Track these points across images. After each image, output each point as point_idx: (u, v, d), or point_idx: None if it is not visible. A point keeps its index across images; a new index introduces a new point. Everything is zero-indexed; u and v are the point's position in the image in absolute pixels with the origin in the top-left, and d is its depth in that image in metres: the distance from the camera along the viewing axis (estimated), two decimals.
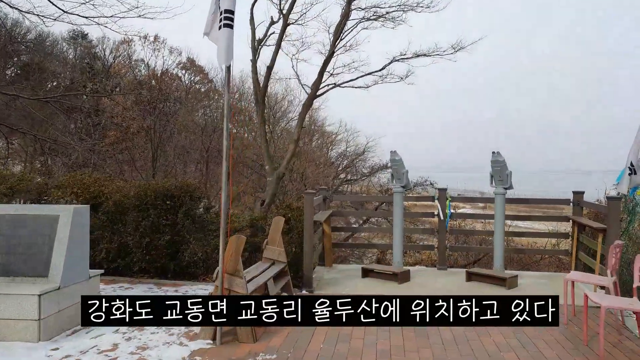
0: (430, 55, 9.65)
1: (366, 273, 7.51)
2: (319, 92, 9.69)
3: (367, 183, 21.08)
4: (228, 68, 4.74)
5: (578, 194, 7.86)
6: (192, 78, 26.16)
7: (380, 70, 9.87)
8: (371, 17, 9.29)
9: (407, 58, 9.71)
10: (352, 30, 9.46)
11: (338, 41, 9.32)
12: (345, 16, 9.30)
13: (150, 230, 7.24)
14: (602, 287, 5.77)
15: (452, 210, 8.32)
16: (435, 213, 8.27)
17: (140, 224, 7.24)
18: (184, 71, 25.56)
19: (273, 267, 6.37)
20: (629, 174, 6.47)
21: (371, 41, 10.83)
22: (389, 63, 9.82)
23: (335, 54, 10.02)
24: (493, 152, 7.12)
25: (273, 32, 9.44)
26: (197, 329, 5.12)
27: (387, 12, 9.24)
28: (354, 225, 16.88)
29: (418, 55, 9.66)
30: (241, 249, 5.02)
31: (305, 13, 9.55)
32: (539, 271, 9.14)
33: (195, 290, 6.83)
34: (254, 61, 9.25)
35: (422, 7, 9.16)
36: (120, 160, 17.67)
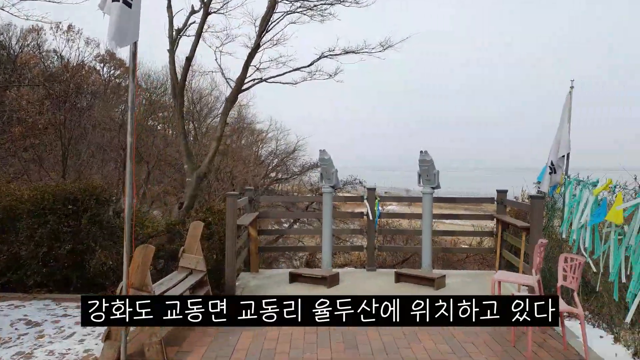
0: (358, 53, 9.47)
1: (294, 278, 7.14)
2: (244, 87, 9.17)
3: (298, 182, 20.76)
4: (134, 55, 4.16)
5: (501, 193, 7.98)
6: (111, 72, 24.43)
7: (308, 66, 9.53)
8: (298, 10, 8.92)
9: (335, 54, 9.46)
10: (278, 22, 9.06)
11: (264, 33, 8.85)
12: (272, 7, 8.85)
13: (48, 239, 6.37)
14: (526, 286, 5.79)
15: (380, 210, 8.15)
16: (365, 213, 8.07)
17: (35, 231, 6.35)
18: (102, 64, 23.82)
19: (190, 276, 5.82)
20: (550, 173, 6.60)
21: (300, 37, 10.48)
22: (318, 59, 9.51)
23: (261, 48, 9.55)
24: (421, 152, 7.01)
25: (194, 22, 8.80)
26: (97, 353, 4.49)
27: (315, 5, 8.93)
28: (285, 225, 16.49)
29: (347, 52, 9.43)
30: (149, 259, 4.45)
31: (228, 2, 8.97)
32: (465, 269, 9.25)
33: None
34: (172, 51, 8.53)
35: (349, 1, 8.93)
36: (25, 160, 15.97)
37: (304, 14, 9.51)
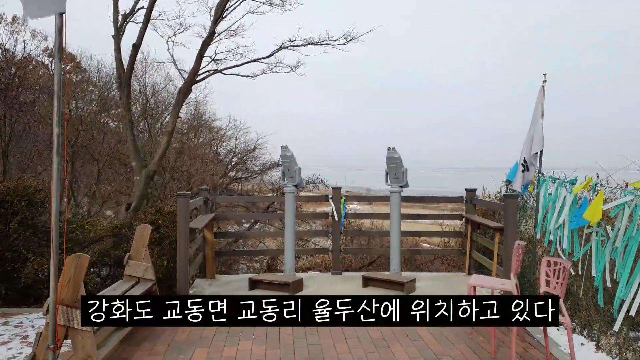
0: (321, 44, 8.98)
1: (254, 284, 6.59)
2: (198, 78, 8.52)
3: (258, 181, 20.10)
4: (60, 30, 3.53)
5: (470, 191, 7.71)
6: (61, 66, 22.86)
7: (267, 57, 8.95)
8: None
9: (297, 46, 8.92)
10: (235, 7, 8.41)
11: (219, 20, 8.20)
12: None
13: None
14: (503, 291, 5.48)
15: (346, 210, 7.71)
16: (330, 214, 7.61)
17: None
18: (51, 59, 22.30)
19: (137, 286, 5.19)
20: (522, 171, 6.34)
21: (260, 28, 9.87)
22: (278, 50, 8.95)
23: (217, 37, 8.89)
24: (388, 148, 6.63)
25: (142, 7, 8.05)
26: None
27: None
28: (246, 226, 15.80)
29: (308, 44, 8.92)
30: (83, 271, 3.83)
31: None
32: (434, 271, 8.94)
33: (34, 320, 5.36)
34: (117, 38, 7.73)
35: None
36: None
37: (263, 3, 8.96)
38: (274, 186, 17.98)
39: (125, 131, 7.99)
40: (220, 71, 8.70)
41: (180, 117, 9.86)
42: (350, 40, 9.23)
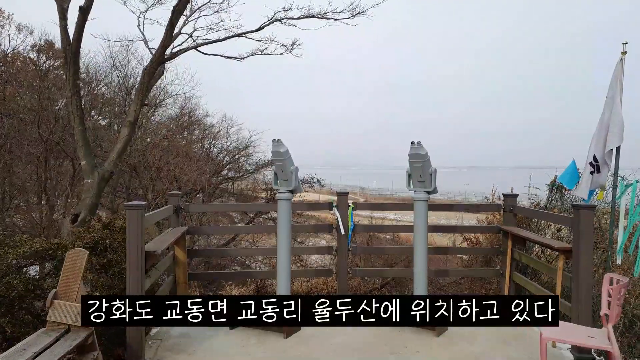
0: (322, 17, 7.41)
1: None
2: (171, 55, 6.93)
3: (252, 181, 18.68)
4: None
5: (510, 197, 6.17)
6: (50, 62, 21.26)
7: (256, 30, 7.32)
8: None
9: (292, 18, 7.35)
10: None
11: None
12: None
13: None
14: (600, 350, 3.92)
15: (354, 222, 6.15)
16: (334, 226, 6.06)
17: None
18: (39, 54, 20.66)
19: (66, 339, 3.62)
20: (591, 172, 4.79)
21: (250, 5, 8.30)
22: (270, 22, 7.32)
23: (197, 10, 7.35)
24: (412, 143, 5.09)
25: None
26: None
27: None
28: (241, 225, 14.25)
29: (307, 16, 7.36)
30: None
31: None
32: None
33: None
34: (60, 0, 6.09)
35: None
36: None
37: None
38: (267, 186, 16.53)
39: (73, 121, 6.39)
40: (197, 47, 7.08)
41: (146, 104, 8.23)
42: (356, 14, 7.67)
